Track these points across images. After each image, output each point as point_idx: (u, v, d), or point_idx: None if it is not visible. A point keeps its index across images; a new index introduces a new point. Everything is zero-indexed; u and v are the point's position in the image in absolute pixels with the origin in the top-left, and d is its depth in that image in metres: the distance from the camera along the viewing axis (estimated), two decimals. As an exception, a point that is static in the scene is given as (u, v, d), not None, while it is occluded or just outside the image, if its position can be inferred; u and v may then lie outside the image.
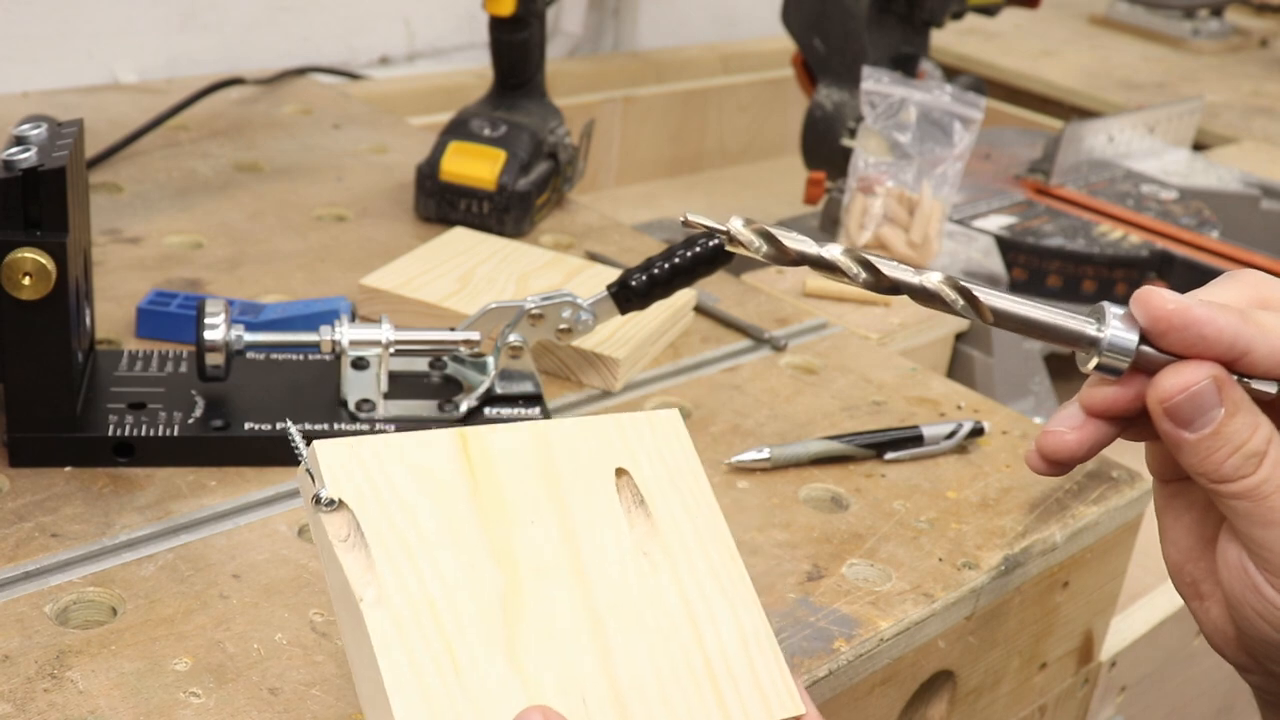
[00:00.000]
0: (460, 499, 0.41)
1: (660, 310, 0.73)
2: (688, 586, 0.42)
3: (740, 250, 0.38)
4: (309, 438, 0.61)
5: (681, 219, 0.37)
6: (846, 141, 1.08)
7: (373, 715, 0.38)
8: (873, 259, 0.37)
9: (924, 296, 0.38)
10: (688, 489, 0.44)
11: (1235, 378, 0.37)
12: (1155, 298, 0.37)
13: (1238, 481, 0.36)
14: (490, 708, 0.38)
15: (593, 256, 0.87)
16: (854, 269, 0.37)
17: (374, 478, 0.40)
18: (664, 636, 0.41)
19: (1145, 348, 0.37)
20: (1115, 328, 0.37)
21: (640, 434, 0.44)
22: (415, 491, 0.40)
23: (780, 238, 0.37)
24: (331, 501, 0.39)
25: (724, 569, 0.43)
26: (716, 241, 0.64)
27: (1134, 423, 0.39)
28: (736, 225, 0.37)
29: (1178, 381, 0.36)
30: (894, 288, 0.38)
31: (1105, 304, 0.38)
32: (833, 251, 0.37)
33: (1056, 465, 0.39)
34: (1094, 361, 0.38)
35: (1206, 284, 0.40)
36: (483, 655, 0.38)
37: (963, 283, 0.37)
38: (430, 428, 0.62)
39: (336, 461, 0.40)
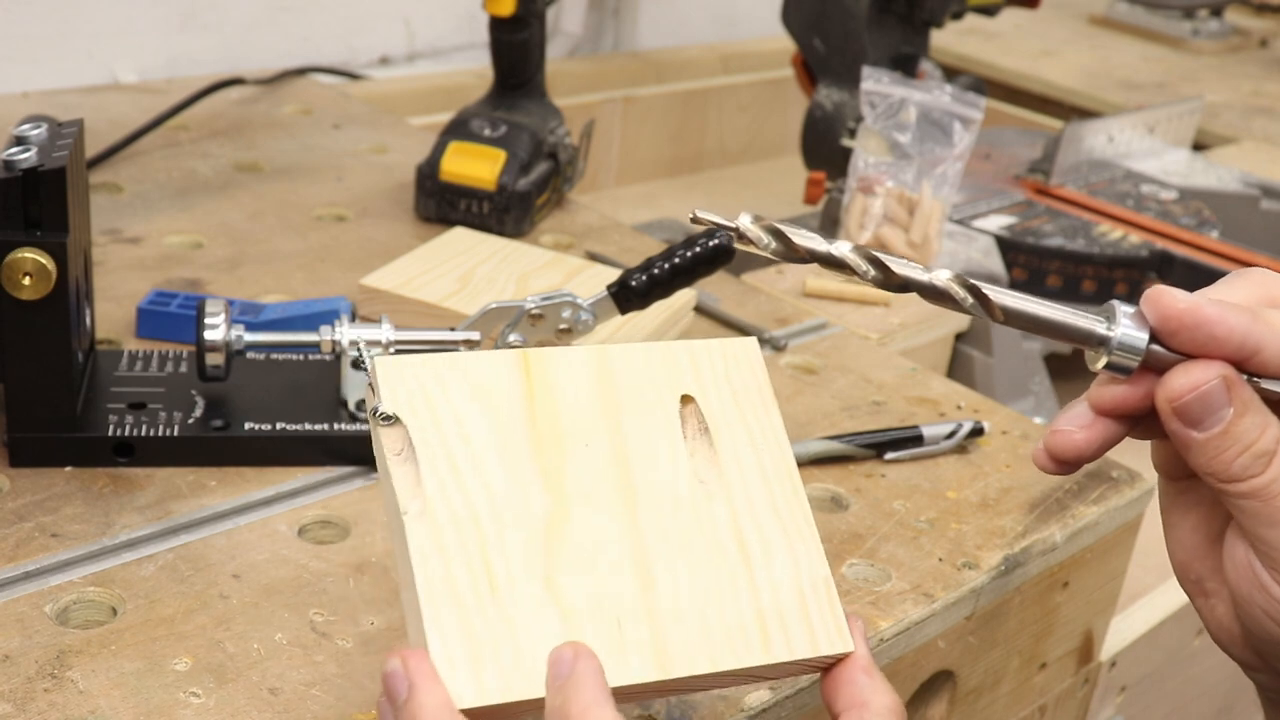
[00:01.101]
0: (516, 419, 0.41)
1: (660, 310, 0.73)
2: (743, 519, 0.42)
3: (749, 248, 0.38)
4: (306, 438, 0.62)
5: (690, 215, 0.37)
6: (846, 141, 1.08)
7: (412, 632, 0.39)
8: (882, 256, 0.37)
9: (933, 294, 0.38)
10: (756, 421, 0.43)
11: (1245, 377, 0.37)
12: (1166, 297, 0.37)
13: (1246, 481, 0.36)
14: (522, 627, 0.38)
15: (593, 256, 0.87)
16: (863, 266, 0.37)
17: (432, 396, 0.41)
18: (712, 566, 0.41)
19: (1155, 346, 0.37)
20: (1125, 326, 0.37)
21: (712, 361, 0.44)
22: (472, 410, 0.41)
23: (789, 234, 0.37)
24: (389, 417, 0.40)
25: (786, 506, 0.42)
26: (717, 241, 0.64)
27: (1141, 421, 0.39)
28: (745, 222, 0.37)
29: (1187, 381, 0.36)
30: (903, 285, 0.37)
31: (1115, 303, 0.38)
32: (842, 249, 0.37)
33: (1064, 465, 0.39)
34: (1103, 360, 0.38)
35: (1215, 283, 0.39)
36: (521, 575, 0.39)
37: (972, 281, 0.37)
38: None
39: (397, 378, 0.41)
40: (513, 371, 0.42)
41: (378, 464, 0.41)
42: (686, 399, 0.43)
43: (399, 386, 0.41)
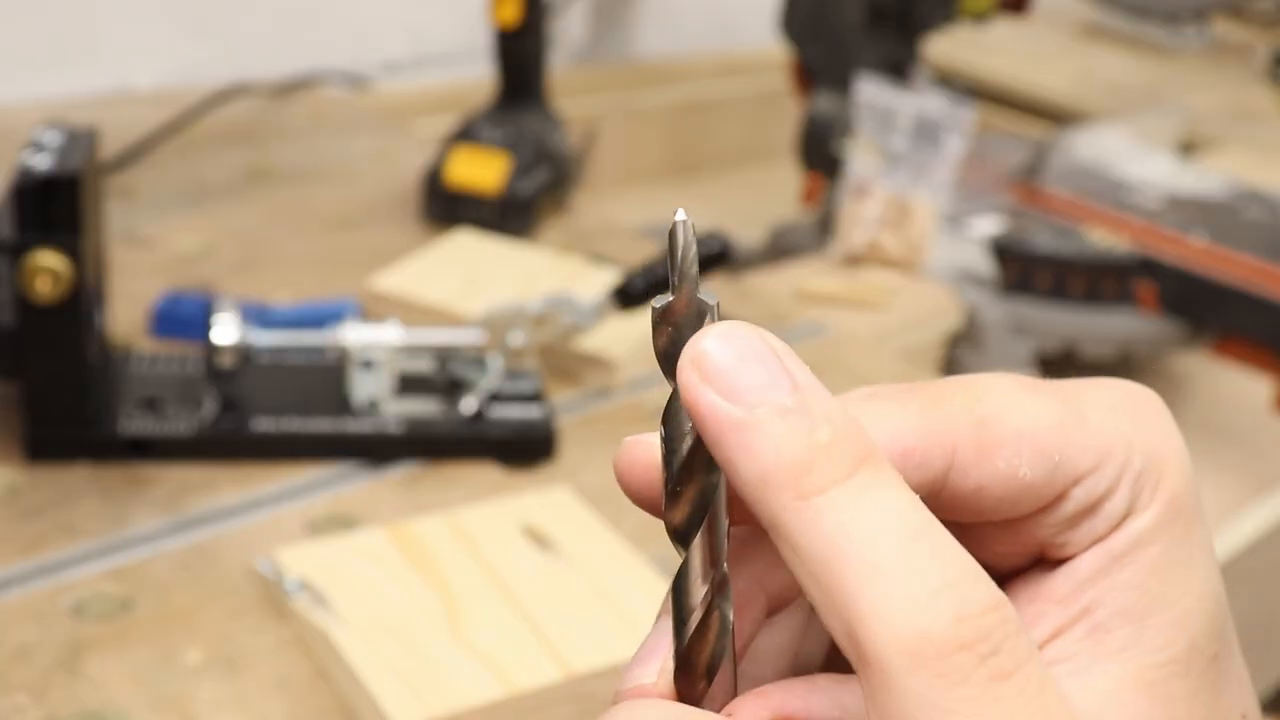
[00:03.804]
0: (397, 561, 0.54)
1: (659, 312, 0.74)
2: (596, 580, 0.54)
3: None
4: (315, 436, 0.64)
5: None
6: (841, 147, 1.10)
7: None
8: None
9: None
10: (585, 531, 0.57)
11: None
12: None
13: None
14: (446, 670, 0.48)
15: (594, 258, 0.88)
16: None
17: (325, 561, 0.53)
18: (582, 607, 0.52)
19: None
20: None
21: (538, 505, 0.58)
22: (360, 562, 0.53)
23: None
24: (296, 585, 0.51)
25: (628, 571, 0.55)
26: (715, 244, 0.66)
27: None
28: None
29: None
30: None
31: None
32: None
33: None
34: None
35: None
36: (436, 643, 0.50)
37: None
38: (436, 427, 0.65)
39: (293, 558, 0.53)
40: (383, 537, 0.55)
41: (306, 633, 0.51)
42: (527, 528, 0.56)
43: (298, 563, 0.53)
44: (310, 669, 0.50)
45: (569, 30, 1.45)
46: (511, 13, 0.87)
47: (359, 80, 1.30)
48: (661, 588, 0.53)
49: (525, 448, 0.64)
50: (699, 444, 0.22)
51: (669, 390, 0.22)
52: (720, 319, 0.22)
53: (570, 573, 0.55)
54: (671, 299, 0.22)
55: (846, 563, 0.20)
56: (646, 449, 0.23)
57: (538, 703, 0.48)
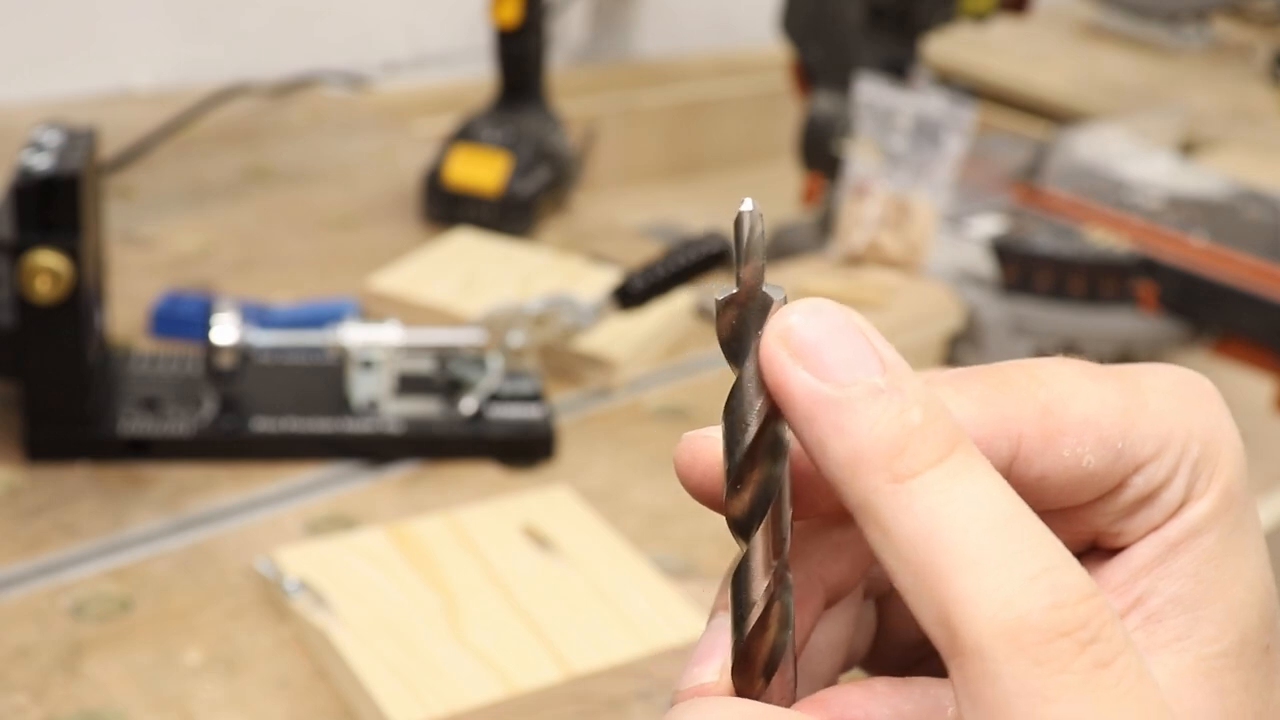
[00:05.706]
0: (396, 561, 0.54)
1: (660, 310, 0.75)
2: (596, 580, 0.54)
3: None
4: (314, 437, 0.64)
5: None
6: (841, 147, 1.10)
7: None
8: None
9: None
10: (584, 531, 0.57)
11: None
12: None
13: None
14: (445, 670, 0.49)
15: (594, 258, 0.89)
16: None
17: (325, 561, 0.54)
18: (581, 607, 0.53)
19: None
20: None
21: (538, 505, 0.59)
22: (360, 562, 0.54)
23: None
24: (296, 585, 0.52)
25: (628, 571, 0.55)
26: (714, 242, 0.66)
27: None
28: None
29: None
30: None
31: None
32: None
33: None
34: None
35: None
36: (436, 643, 0.50)
37: None
38: (436, 427, 0.65)
39: (293, 558, 0.54)
40: (384, 537, 0.55)
41: (304, 634, 0.51)
42: (526, 529, 0.57)
43: (296, 563, 0.53)
44: (310, 669, 0.50)
45: (569, 30, 1.45)
46: (511, 13, 0.88)
47: (359, 80, 1.30)
48: (661, 588, 0.53)
49: (525, 448, 0.64)
50: (762, 433, 0.21)
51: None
52: None
53: (570, 573, 0.55)
54: (736, 289, 0.22)
55: (941, 548, 0.20)
56: (708, 443, 0.23)
57: (538, 703, 0.49)
